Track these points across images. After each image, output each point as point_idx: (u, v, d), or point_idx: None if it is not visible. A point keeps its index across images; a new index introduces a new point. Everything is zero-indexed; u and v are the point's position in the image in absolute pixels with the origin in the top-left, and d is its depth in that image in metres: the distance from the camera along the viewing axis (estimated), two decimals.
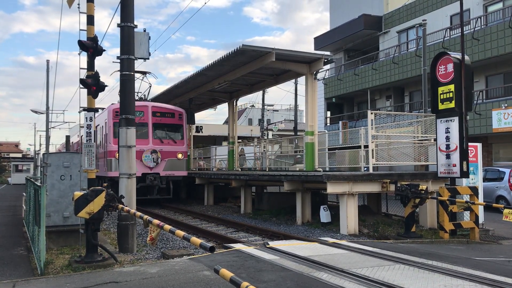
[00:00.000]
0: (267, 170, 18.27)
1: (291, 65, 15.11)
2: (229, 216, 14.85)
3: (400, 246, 8.94)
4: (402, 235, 10.40)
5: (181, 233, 4.46)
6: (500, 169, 17.53)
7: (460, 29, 12.05)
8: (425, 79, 17.90)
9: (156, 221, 5.02)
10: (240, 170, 19.41)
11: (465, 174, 10.76)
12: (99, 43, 9.11)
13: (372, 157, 12.05)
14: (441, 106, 11.15)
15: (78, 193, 7.19)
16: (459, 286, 5.80)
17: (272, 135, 37.51)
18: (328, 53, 27.05)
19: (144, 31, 10.23)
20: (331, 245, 8.79)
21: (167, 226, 4.77)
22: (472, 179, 11.60)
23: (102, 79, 9.09)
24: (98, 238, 7.73)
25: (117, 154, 15.94)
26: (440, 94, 11.13)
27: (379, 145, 12.62)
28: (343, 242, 9.17)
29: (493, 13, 22.95)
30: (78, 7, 9.49)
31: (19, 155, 75.98)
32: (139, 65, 15.38)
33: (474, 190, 10.68)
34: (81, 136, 12.64)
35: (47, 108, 28.41)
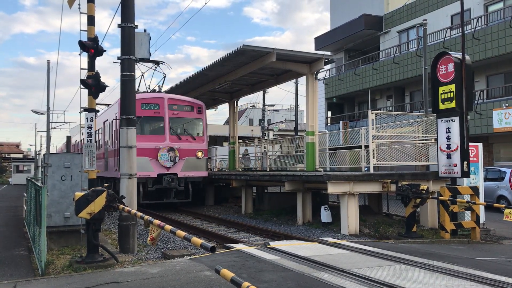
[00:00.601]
0: (268, 170, 18.28)
1: (291, 65, 15.11)
2: (230, 216, 14.85)
3: (401, 246, 8.94)
4: (403, 235, 10.40)
5: (182, 233, 4.46)
6: (501, 169, 17.52)
7: (460, 28, 12.04)
8: (426, 79, 17.91)
9: (157, 222, 5.02)
10: (240, 170, 19.41)
11: (466, 174, 10.75)
12: (99, 43, 9.11)
13: (373, 157, 12.05)
14: (441, 106, 11.15)
15: (79, 194, 7.19)
16: (460, 286, 5.80)
17: (273, 135, 37.51)
18: (328, 53, 27.03)
19: (145, 31, 10.25)
20: (332, 245, 8.78)
21: (168, 227, 4.77)
22: (473, 179, 11.60)
23: (102, 79, 9.09)
24: (99, 238, 7.73)
25: None
26: (441, 94, 11.13)
27: (380, 145, 12.62)
28: (344, 242, 9.17)
29: (494, 12, 22.94)
30: (79, 8, 9.51)
31: (20, 156, 76.07)
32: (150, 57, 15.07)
33: (475, 190, 10.68)
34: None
35: (48, 108, 28.46)
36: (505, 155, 21.89)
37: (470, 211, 10.65)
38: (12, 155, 73.35)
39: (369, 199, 14.42)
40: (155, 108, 15.75)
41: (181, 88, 19.85)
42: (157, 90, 17.77)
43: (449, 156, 10.95)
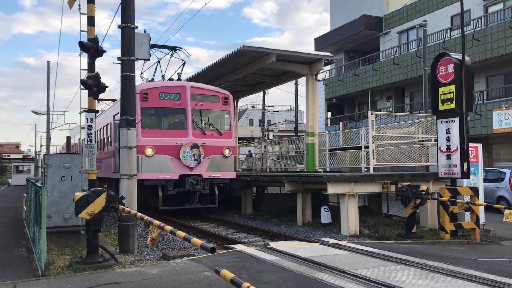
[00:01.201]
0: (268, 170, 18.29)
1: (291, 66, 15.13)
2: (230, 217, 14.84)
3: (401, 247, 8.94)
4: (403, 236, 10.40)
5: (181, 234, 4.46)
6: (501, 169, 17.51)
7: (460, 29, 12.05)
8: (426, 79, 17.91)
9: (156, 222, 5.03)
10: (240, 170, 19.40)
11: (465, 174, 10.75)
12: (99, 44, 9.12)
13: (373, 158, 12.05)
14: (441, 107, 11.15)
15: (79, 194, 7.20)
16: (460, 286, 5.80)
17: (273, 135, 37.49)
18: (328, 53, 27.04)
19: (145, 32, 10.25)
20: (331, 245, 8.79)
21: (168, 227, 4.77)
22: (473, 179, 11.60)
23: (102, 80, 9.10)
24: (99, 239, 7.73)
25: (148, 149, 12.84)
26: (441, 94, 11.13)
27: (380, 145, 12.63)
28: (344, 243, 9.17)
29: (494, 13, 22.95)
30: (79, 8, 9.52)
31: (20, 156, 75.98)
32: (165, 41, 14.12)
33: (474, 190, 10.67)
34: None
35: (48, 109, 28.41)
36: (505, 156, 21.90)
37: (470, 212, 10.64)
38: (12, 156, 73.31)
39: (369, 200, 14.42)
40: (176, 98, 13.69)
41: None
42: (176, 79, 15.52)
43: (449, 157, 10.95)
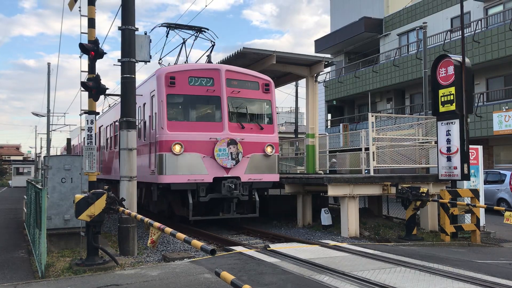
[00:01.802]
0: None
1: (291, 67, 15.14)
2: (230, 219, 14.80)
3: (401, 249, 8.93)
4: (403, 238, 10.39)
5: (182, 236, 4.46)
6: (501, 171, 17.51)
7: (460, 31, 12.06)
8: (426, 81, 17.93)
9: (157, 224, 5.03)
10: None
11: (466, 176, 10.75)
12: (100, 46, 9.14)
13: (373, 160, 12.04)
14: (442, 109, 11.16)
15: (79, 196, 7.20)
16: None
17: None
18: (328, 55, 27.07)
19: (145, 34, 10.26)
20: (332, 247, 8.78)
21: (168, 229, 4.77)
22: (473, 181, 11.60)
23: (102, 81, 9.12)
24: (99, 240, 7.73)
25: (176, 145, 10.57)
26: (441, 96, 11.14)
27: (380, 147, 12.63)
28: (344, 244, 9.16)
29: (494, 15, 22.99)
30: (79, 10, 9.55)
31: (20, 158, 75.95)
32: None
33: (475, 192, 10.67)
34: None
35: (48, 110, 28.45)
36: (505, 158, 21.89)
37: (470, 214, 10.64)
38: (12, 157, 73.28)
39: (369, 202, 14.41)
40: (208, 84, 11.33)
41: None
42: (206, 61, 13.37)
43: (449, 159, 10.95)
